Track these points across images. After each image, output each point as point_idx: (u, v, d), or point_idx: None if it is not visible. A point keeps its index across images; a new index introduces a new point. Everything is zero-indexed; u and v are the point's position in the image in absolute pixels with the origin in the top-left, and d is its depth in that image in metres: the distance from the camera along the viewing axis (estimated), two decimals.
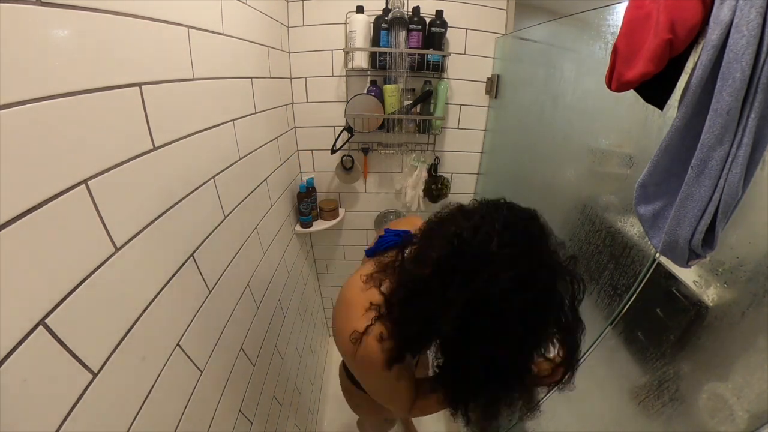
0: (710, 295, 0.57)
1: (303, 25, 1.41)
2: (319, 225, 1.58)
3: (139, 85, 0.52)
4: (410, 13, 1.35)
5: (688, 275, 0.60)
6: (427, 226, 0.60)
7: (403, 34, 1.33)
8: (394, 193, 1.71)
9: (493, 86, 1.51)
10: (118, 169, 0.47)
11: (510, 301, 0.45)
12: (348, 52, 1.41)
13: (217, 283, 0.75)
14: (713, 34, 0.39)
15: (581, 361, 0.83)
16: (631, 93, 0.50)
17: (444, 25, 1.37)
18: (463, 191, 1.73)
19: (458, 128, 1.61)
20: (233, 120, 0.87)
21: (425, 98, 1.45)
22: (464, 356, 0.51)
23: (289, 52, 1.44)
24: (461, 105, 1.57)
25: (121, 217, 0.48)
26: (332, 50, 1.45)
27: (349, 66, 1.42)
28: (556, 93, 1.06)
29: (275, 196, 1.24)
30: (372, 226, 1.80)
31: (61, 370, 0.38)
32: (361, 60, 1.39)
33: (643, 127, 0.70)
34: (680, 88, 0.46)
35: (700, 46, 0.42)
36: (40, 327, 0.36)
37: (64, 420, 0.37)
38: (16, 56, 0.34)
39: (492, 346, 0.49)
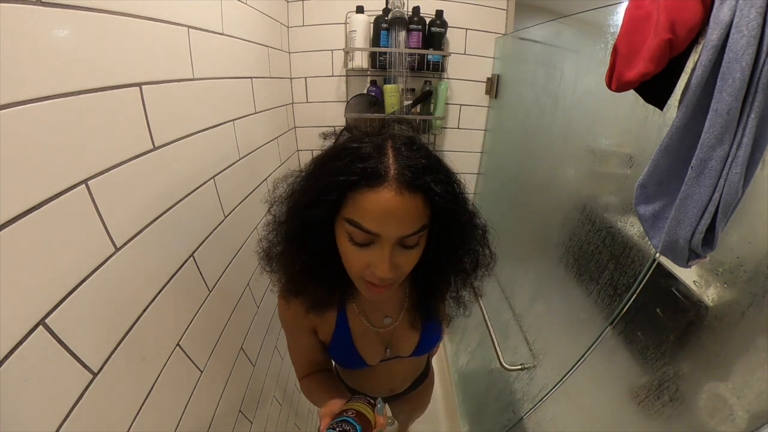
0: (710, 295, 0.57)
1: (303, 25, 1.41)
2: None
3: (139, 85, 0.52)
4: (410, 13, 1.35)
5: (688, 275, 0.60)
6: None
7: (403, 34, 1.33)
8: None
9: (493, 86, 1.51)
10: (118, 169, 0.47)
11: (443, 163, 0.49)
12: (348, 52, 1.41)
13: (217, 283, 0.75)
14: (713, 34, 0.38)
15: (581, 361, 0.84)
16: (631, 93, 0.50)
17: (444, 25, 1.37)
18: None
19: (458, 128, 1.61)
20: (233, 120, 0.87)
21: (425, 98, 1.45)
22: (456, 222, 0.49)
23: (289, 52, 1.44)
24: (461, 105, 1.57)
25: (121, 217, 0.48)
26: (332, 50, 1.45)
27: (349, 66, 1.42)
28: (556, 93, 1.06)
29: None
30: None
31: (61, 370, 0.38)
32: (361, 60, 1.39)
33: (643, 127, 0.70)
34: (680, 88, 0.46)
35: (700, 46, 0.42)
36: (40, 327, 0.36)
37: (64, 420, 0.37)
38: (16, 56, 0.34)
39: (462, 207, 0.50)
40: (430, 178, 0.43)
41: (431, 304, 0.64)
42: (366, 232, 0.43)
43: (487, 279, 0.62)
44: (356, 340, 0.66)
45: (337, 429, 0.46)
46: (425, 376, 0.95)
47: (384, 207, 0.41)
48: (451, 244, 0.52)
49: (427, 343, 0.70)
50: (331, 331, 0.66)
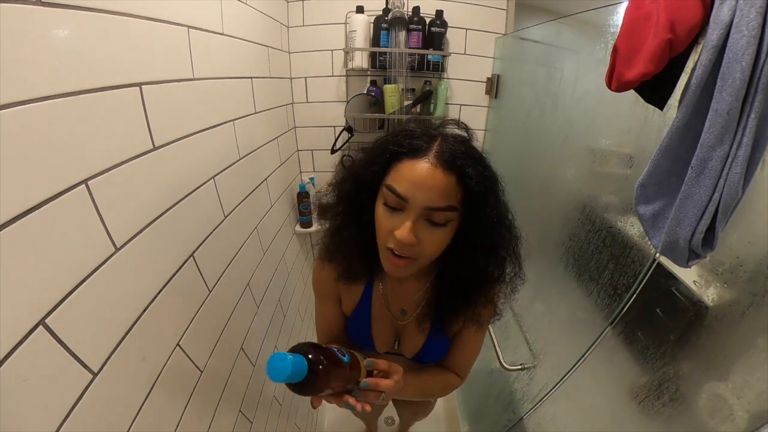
0: (710, 295, 0.57)
1: (303, 25, 1.41)
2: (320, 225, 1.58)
3: (139, 85, 0.52)
4: (410, 13, 1.35)
5: (688, 275, 0.60)
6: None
7: (403, 34, 1.33)
8: None
9: (493, 86, 1.51)
10: (118, 169, 0.47)
11: (484, 158, 0.52)
12: (348, 52, 1.41)
13: (217, 283, 0.75)
14: (713, 34, 0.38)
15: (581, 361, 0.84)
16: (631, 93, 0.50)
17: (444, 25, 1.37)
18: None
19: None
20: (233, 120, 0.87)
21: (425, 98, 1.45)
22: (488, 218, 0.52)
23: (289, 52, 1.44)
24: (461, 105, 1.57)
25: (121, 217, 0.48)
26: (332, 50, 1.45)
27: (349, 66, 1.42)
28: (556, 93, 1.06)
29: (275, 196, 1.24)
30: None
31: (61, 370, 0.38)
32: (361, 60, 1.39)
33: (643, 127, 0.70)
34: (680, 88, 0.46)
35: (700, 46, 0.42)
36: (40, 327, 0.36)
37: (64, 420, 0.37)
38: (16, 56, 0.34)
39: (498, 203, 0.53)
40: (467, 163, 0.47)
41: (447, 312, 0.64)
42: (397, 196, 0.47)
43: (509, 302, 0.63)
44: (373, 320, 0.69)
45: (329, 350, 0.46)
46: None
47: (417, 175, 0.46)
48: (479, 240, 0.53)
49: (429, 353, 0.71)
50: (354, 304, 0.69)
